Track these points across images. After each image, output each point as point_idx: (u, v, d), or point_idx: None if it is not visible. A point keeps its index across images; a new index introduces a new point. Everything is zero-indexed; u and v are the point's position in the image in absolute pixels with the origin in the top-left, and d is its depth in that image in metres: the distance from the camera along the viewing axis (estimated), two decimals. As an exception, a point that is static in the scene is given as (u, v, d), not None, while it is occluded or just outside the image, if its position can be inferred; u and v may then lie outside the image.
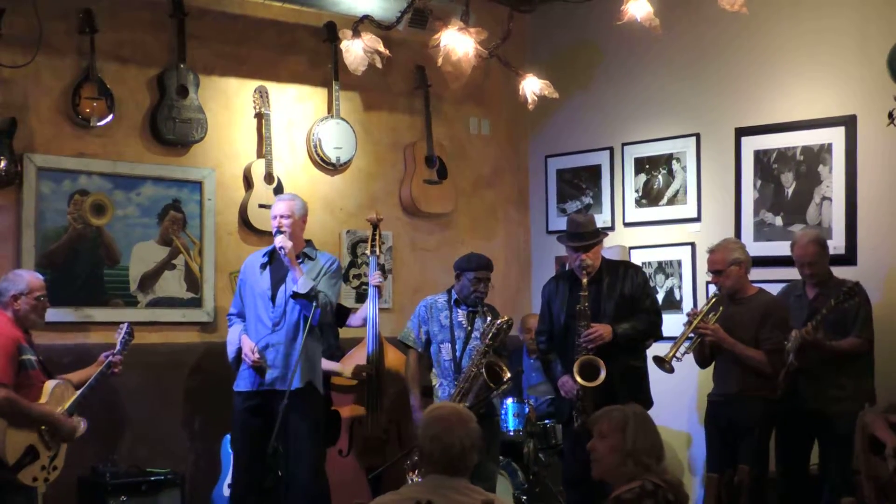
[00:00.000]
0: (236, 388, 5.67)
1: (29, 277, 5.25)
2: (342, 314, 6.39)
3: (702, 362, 5.92)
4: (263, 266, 5.71)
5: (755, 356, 5.57)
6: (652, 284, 6.73)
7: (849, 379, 5.64)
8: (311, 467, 5.61)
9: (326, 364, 6.08)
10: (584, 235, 5.66)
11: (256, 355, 5.54)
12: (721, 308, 5.70)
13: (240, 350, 5.64)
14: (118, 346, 5.42)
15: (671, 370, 5.65)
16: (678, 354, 5.65)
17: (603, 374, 5.45)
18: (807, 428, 5.73)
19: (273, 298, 5.62)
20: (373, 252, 6.28)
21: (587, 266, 5.59)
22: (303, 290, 5.47)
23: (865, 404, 5.69)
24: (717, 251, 5.78)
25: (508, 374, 5.72)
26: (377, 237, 6.29)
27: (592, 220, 5.81)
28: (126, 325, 5.53)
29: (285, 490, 5.58)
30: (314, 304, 5.44)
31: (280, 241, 5.53)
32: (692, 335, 5.70)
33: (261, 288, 5.67)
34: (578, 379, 5.48)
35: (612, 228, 7.36)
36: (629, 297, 5.68)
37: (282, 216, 5.63)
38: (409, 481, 5.39)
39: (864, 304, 5.64)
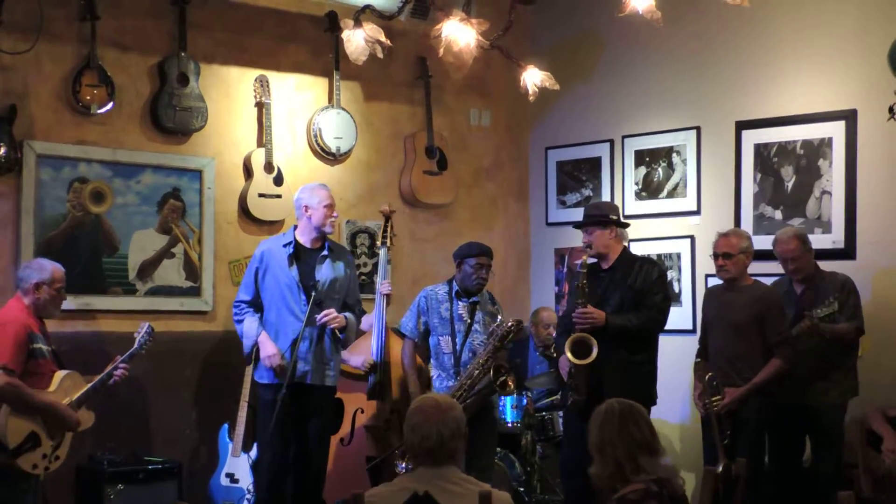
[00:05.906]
0: (262, 381, 5.68)
1: (52, 268, 5.25)
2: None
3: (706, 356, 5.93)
4: (290, 258, 5.68)
5: (770, 372, 5.55)
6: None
7: (835, 371, 5.71)
8: (323, 457, 5.77)
9: None
10: (586, 217, 5.80)
11: (279, 361, 5.57)
12: (714, 382, 5.61)
13: (256, 346, 5.66)
14: (135, 346, 5.40)
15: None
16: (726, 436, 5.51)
17: (595, 352, 5.45)
18: (798, 422, 5.75)
19: (307, 291, 5.62)
20: (384, 243, 6.25)
21: (588, 246, 5.70)
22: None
23: (850, 396, 5.75)
24: (730, 235, 5.80)
25: (513, 385, 5.74)
26: (389, 229, 6.27)
27: (601, 207, 5.96)
28: (146, 325, 5.51)
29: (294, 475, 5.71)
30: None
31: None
32: (711, 416, 5.51)
33: (289, 279, 5.66)
34: (569, 356, 5.49)
35: (611, 221, 7.35)
36: (637, 290, 5.64)
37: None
38: (398, 467, 5.43)
39: (854, 294, 5.72)
